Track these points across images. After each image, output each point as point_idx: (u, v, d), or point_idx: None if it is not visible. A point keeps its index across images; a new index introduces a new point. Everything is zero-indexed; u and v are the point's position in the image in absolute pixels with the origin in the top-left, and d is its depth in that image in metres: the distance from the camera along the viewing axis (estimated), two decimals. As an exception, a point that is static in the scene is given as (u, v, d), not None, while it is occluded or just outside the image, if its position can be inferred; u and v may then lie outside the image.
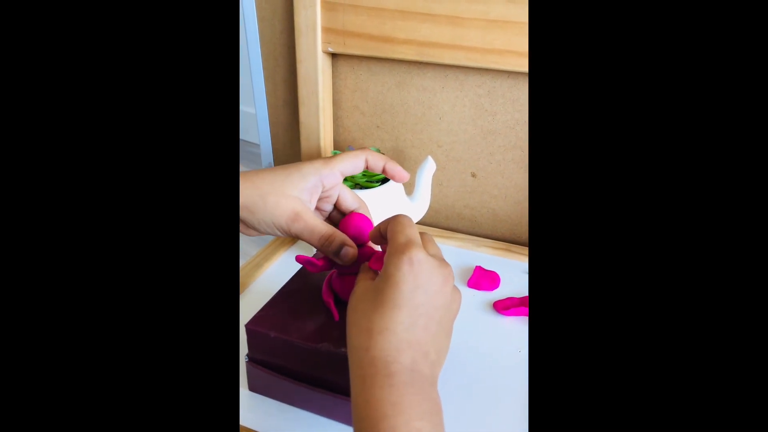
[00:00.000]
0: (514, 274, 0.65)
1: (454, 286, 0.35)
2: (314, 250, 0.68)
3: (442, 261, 0.34)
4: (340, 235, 0.41)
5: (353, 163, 0.44)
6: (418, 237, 0.35)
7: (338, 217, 0.46)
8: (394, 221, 0.36)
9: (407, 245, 0.33)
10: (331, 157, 0.43)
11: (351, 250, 0.41)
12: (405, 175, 0.45)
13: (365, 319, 0.32)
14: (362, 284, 0.36)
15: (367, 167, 0.44)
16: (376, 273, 0.37)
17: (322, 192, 0.43)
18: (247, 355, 0.46)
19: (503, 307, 0.58)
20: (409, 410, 0.29)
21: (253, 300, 0.58)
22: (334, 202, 0.45)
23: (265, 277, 0.64)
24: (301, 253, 0.69)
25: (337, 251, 0.41)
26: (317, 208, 0.45)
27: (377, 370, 0.30)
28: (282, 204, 0.40)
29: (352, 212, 0.45)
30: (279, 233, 0.41)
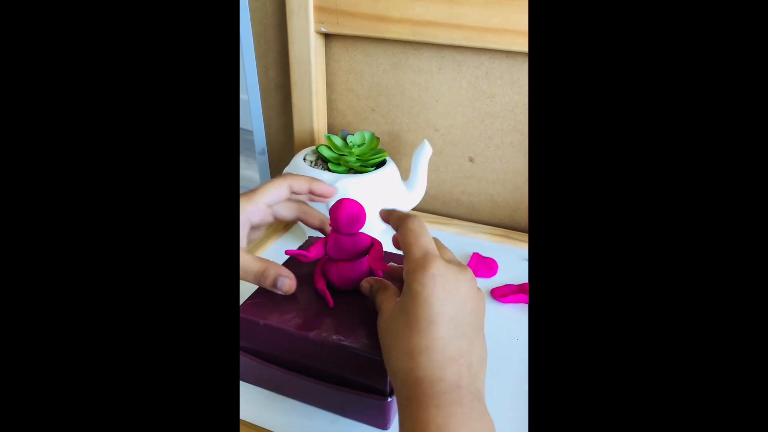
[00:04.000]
0: (513, 261, 0.63)
1: (477, 287, 0.35)
2: (304, 238, 0.67)
3: (460, 266, 0.34)
4: (273, 268, 0.41)
5: (276, 193, 0.44)
6: (433, 246, 0.34)
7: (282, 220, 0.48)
8: (405, 230, 0.35)
9: (426, 259, 0.33)
10: (252, 192, 0.43)
11: (288, 280, 0.41)
12: (332, 190, 0.46)
13: (404, 341, 0.32)
14: (387, 304, 0.36)
15: (292, 192, 0.45)
16: (398, 288, 0.37)
17: (254, 224, 0.44)
18: (236, 344, 0.45)
19: (501, 294, 0.56)
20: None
21: (243, 288, 0.57)
22: (271, 221, 0.46)
23: (256, 265, 0.62)
24: (294, 241, 0.67)
25: (274, 284, 0.41)
26: (254, 228, 0.46)
27: (423, 390, 0.30)
28: None
29: (342, 199, 0.43)
30: None
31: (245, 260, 0.41)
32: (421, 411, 0.29)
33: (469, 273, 0.34)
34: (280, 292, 0.42)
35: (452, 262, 0.34)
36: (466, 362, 0.31)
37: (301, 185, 0.45)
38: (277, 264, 0.42)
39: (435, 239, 0.37)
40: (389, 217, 0.39)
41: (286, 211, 0.46)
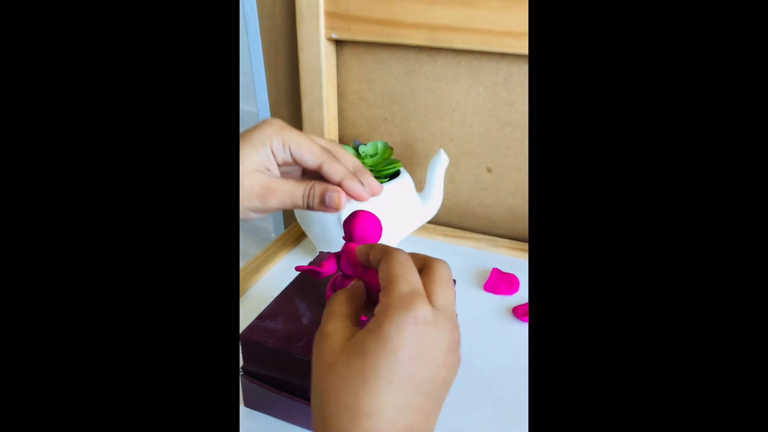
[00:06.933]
0: (535, 276, 0.60)
1: (458, 349, 0.29)
2: (315, 253, 0.64)
3: (452, 320, 0.28)
4: (318, 186, 0.37)
5: (307, 155, 0.37)
6: (420, 283, 0.28)
7: (312, 175, 0.40)
8: (391, 259, 0.29)
9: (411, 298, 0.26)
10: (285, 130, 0.37)
11: (336, 194, 0.37)
12: (364, 194, 0.38)
13: (349, 394, 0.26)
14: (340, 330, 0.28)
15: (320, 170, 0.38)
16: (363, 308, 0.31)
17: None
18: (242, 367, 0.42)
19: (523, 313, 0.53)
20: None
21: (251, 307, 0.54)
22: (293, 159, 0.39)
23: (264, 282, 0.59)
24: (304, 255, 0.64)
25: (322, 201, 0.37)
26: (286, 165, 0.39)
27: None
28: (245, 185, 0.35)
29: (357, 210, 0.40)
30: (256, 215, 0.37)
31: (287, 187, 0.36)
32: None
33: (457, 332, 0.28)
34: (330, 211, 0.37)
35: (446, 308, 0.28)
36: None
37: (334, 173, 0.37)
38: (320, 181, 0.37)
39: (438, 261, 0.30)
40: (369, 252, 0.32)
41: (310, 157, 0.38)
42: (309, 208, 0.37)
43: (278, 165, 0.38)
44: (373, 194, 0.38)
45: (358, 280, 0.33)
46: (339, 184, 0.37)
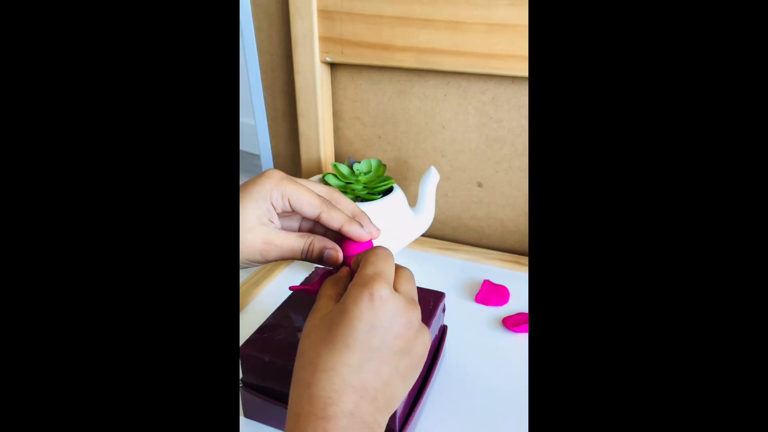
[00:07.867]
0: (525, 287, 0.62)
1: (420, 327, 0.33)
2: (310, 270, 0.66)
3: (410, 301, 0.32)
4: (318, 242, 0.39)
5: (306, 207, 0.39)
6: (388, 271, 0.32)
7: (316, 228, 0.42)
8: (368, 252, 0.34)
9: (372, 279, 0.31)
10: (285, 182, 0.39)
11: (333, 252, 0.39)
12: (364, 235, 0.39)
13: (313, 352, 0.31)
14: (322, 307, 0.33)
15: (319, 220, 0.39)
16: (339, 288, 0.35)
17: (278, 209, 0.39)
18: (242, 379, 0.44)
19: (513, 323, 0.55)
20: None
21: (251, 320, 0.56)
22: (292, 209, 0.40)
23: (263, 296, 0.61)
24: (302, 269, 0.66)
25: (320, 258, 0.39)
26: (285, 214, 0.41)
27: (314, 409, 0.29)
28: (247, 240, 0.37)
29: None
30: (257, 264, 0.39)
31: (287, 241, 0.38)
32: (308, 431, 0.28)
33: (415, 312, 0.32)
34: (328, 266, 0.39)
35: (405, 293, 0.32)
36: (369, 395, 0.30)
37: (333, 220, 0.38)
38: (320, 236, 0.39)
39: (403, 268, 0.34)
40: (357, 261, 0.36)
41: (309, 208, 0.39)
42: (307, 261, 0.39)
43: (278, 214, 0.39)
44: (372, 237, 0.40)
45: (345, 267, 0.37)
46: (339, 230, 0.39)
